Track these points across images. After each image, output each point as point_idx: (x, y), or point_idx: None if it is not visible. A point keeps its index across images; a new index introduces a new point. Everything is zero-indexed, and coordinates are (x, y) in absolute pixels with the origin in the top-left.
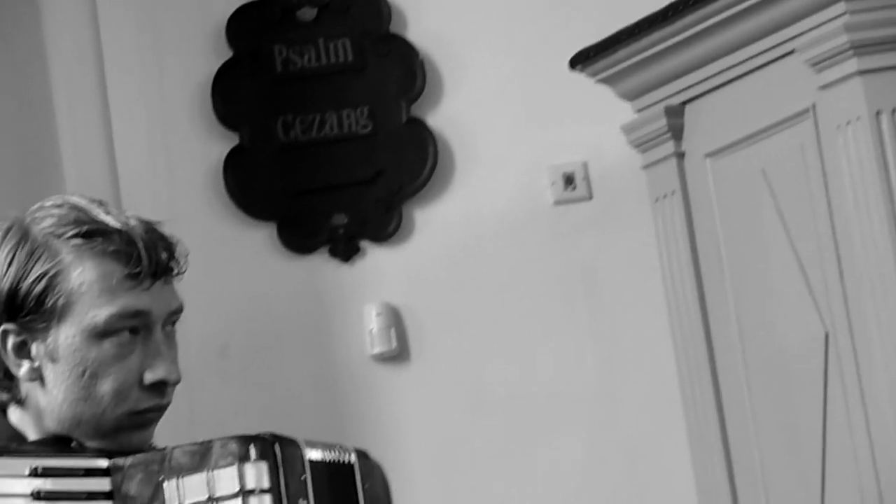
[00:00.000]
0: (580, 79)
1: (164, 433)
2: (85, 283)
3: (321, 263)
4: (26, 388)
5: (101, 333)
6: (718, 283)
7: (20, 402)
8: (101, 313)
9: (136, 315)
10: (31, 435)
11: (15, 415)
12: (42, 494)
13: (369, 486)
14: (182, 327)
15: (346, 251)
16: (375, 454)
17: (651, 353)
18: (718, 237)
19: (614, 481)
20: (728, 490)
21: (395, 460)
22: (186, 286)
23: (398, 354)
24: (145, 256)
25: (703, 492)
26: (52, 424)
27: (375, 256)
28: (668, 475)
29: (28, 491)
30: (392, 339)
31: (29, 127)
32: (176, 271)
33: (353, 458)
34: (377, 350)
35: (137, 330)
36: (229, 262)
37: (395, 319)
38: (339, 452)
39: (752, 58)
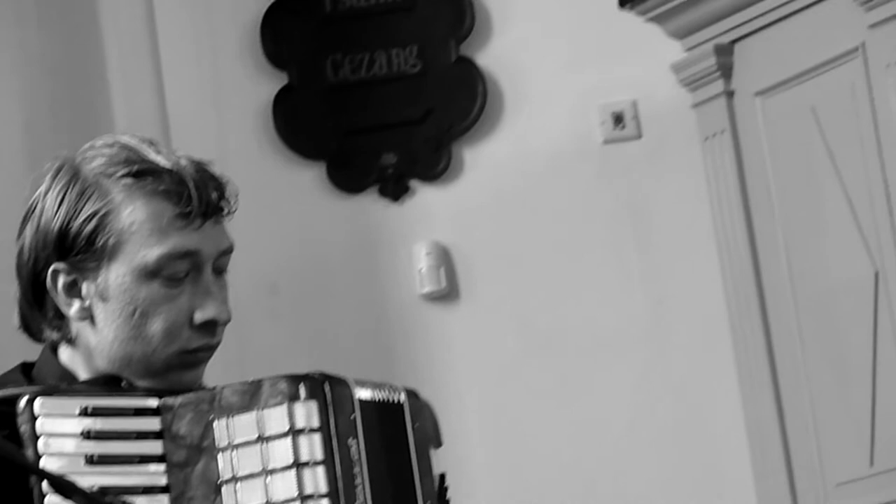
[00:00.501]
0: (630, 17)
1: (214, 373)
2: (135, 222)
3: (370, 203)
4: (77, 327)
5: (151, 273)
6: (768, 222)
7: (71, 342)
8: (151, 253)
9: (186, 255)
10: (82, 374)
11: (65, 354)
12: (92, 434)
13: (419, 426)
14: (231, 267)
15: (395, 190)
16: (425, 394)
17: (700, 291)
18: (768, 176)
19: (664, 419)
20: (778, 427)
21: (444, 400)
22: (236, 226)
23: (447, 294)
24: (196, 196)
25: (753, 429)
26: (103, 364)
27: (425, 196)
28: (718, 413)
29: (78, 430)
30: (441, 278)
31: (79, 67)
32: (226, 211)
33: (403, 397)
34: (426, 289)
35: (188, 270)
36: (278, 202)
37: (444, 259)
38: (389, 392)
39: None
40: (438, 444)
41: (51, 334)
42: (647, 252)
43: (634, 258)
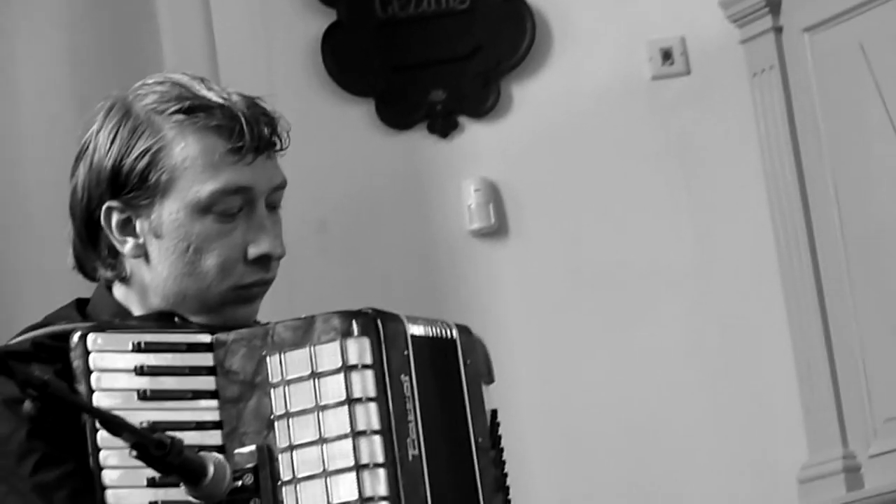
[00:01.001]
0: None
1: (265, 309)
2: (188, 158)
3: (419, 139)
4: (131, 264)
5: (204, 209)
6: (816, 158)
7: (125, 280)
8: (204, 188)
9: (239, 190)
10: (136, 311)
11: (119, 291)
12: (144, 369)
13: (471, 362)
14: (282, 203)
15: (444, 127)
16: (475, 330)
17: (749, 227)
18: (816, 112)
19: (713, 354)
20: (826, 362)
21: (494, 336)
22: (285, 162)
23: (496, 230)
24: (247, 131)
25: (802, 364)
26: (157, 300)
27: (473, 132)
28: (767, 348)
29: (131, 366)
30: (490, 214)
31: (128, 5)
32: (278, 146)
33: (455, 333)
34: (476, 226)
35: (241, 205)
36: (327, 139)
37: (493, 195)
38: (441, 328)
39: None
40: (490, 380)
41: (105, 273)
42: (695, 187)
43: (683, 194)
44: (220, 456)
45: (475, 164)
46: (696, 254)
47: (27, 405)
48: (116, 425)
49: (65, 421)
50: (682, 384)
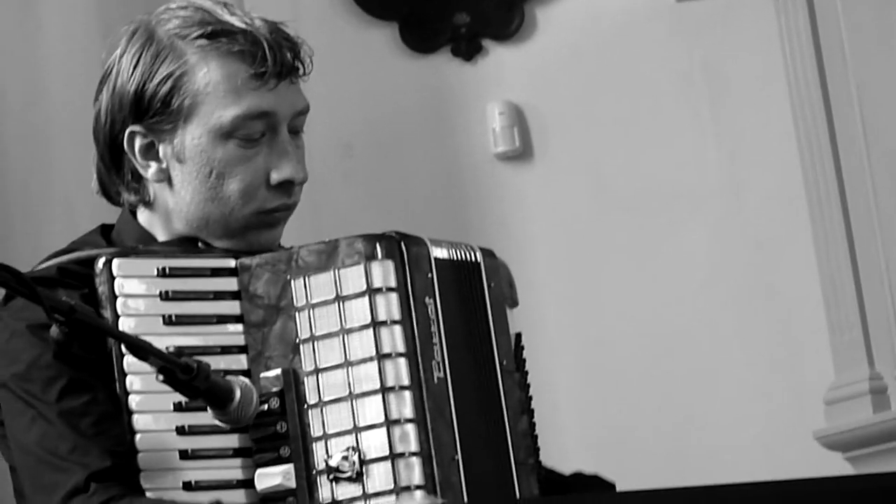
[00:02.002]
0: None
1: (289, 234)
2: (210, 83)
3: (443, 63)
4: (154, 189)
5: (227, 134)
6: (842, 79)
7: (148, 204)
8: (226, 113)
9: (261, 115)
10: (160, 236)
11: (143, 216)
12: (169, 294)
13: (495, 285)
14: (305, 128)
15: (468, 50)
16: (499, 253)
17: (774, 149)
18: (842, 33)
19: (739, 276)
20: (853, 284)
21: (518, 259)
22: (309, 87)
23: (521, 153)
24: (270, 56)
25: (828, 286)
26: (180, 225)
27: (498, 55)
28: (793, 270)
29: (156, 291)
30: (515, 137)
31: None
32: (301, 71)
33: (479, 256)
34: (500, 149)
35: (263, 130)
36: (351, 63)
37: (518, 118)
38: (465, 251)
39: None
40: (514, 303)
41: (128, 197)
42: (720, 109)
43: (707, 116)
44: (247, 380)
45: (499, 88)
46: (722, 175)
47: (54, 330)
48: (143, 350)
49: (91, 346)
50: (708, 306)
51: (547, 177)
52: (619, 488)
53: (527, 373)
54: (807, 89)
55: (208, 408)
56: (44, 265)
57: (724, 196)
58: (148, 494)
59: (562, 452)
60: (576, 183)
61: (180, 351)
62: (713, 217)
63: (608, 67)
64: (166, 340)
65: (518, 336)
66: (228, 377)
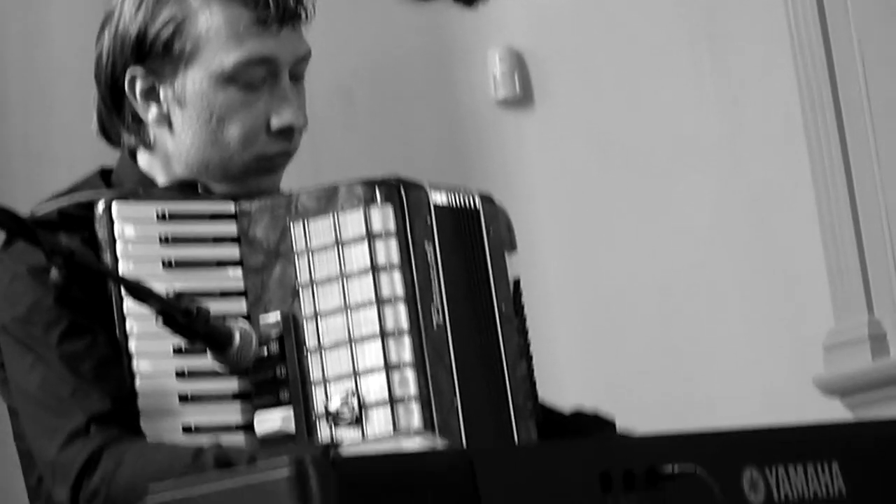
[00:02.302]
0: None
1: (288, 179)
2: (212, 28)
3: (444, 8)
4: (154, 132)
5: (228, 78)
6: (844, 27)
7: (149, 147)
8: (228, 58)
9: (263, 61)
10: (160, 180)
11: (143, 159)
12: (169, 238)
13: (494, 231)
14: (306, 74)
15: None
16: (500, 199)
17: (775, 97)
18: None
19: (739, 223)
20: (852, 231)
21: (518, 206)
22: (309, 33)
23: (522, 99)
24: (272, 1)
25: (828, 233)
26: (180, 169)
27: (499, 1)
28: (793, 217)
29: (155, 235)
30: (516, 83)
31: None
32: (304, 17)
33: (478, 202)
34: (501, 95)
35: (265, 76)
36: (352, 9)
37: (518, 64)
38: (464, 196)
39: None
40: (513, 248)
41: (129, 140)
42: (722, 57)
43: (709, 63)
44: (246, 324)
45: (500, 34)
46: (723, 123)
47: (53, 273)
48: (143, 293)
49: (91, 290)
50: (709, 253)
51: (547, 123)
52: (618, 427)
53: (525, 318)
54: (808, 38)
55: (208, 351)
56: (44, 208)
57: (724, 144)
58: (147, 437)
59: (561, 398)
60: (576, 129)
61: (180, 294)
62: (714, 164)
63: (609, 14)
64: (166, 284)
65: (517, 281)
66: (228, 321)
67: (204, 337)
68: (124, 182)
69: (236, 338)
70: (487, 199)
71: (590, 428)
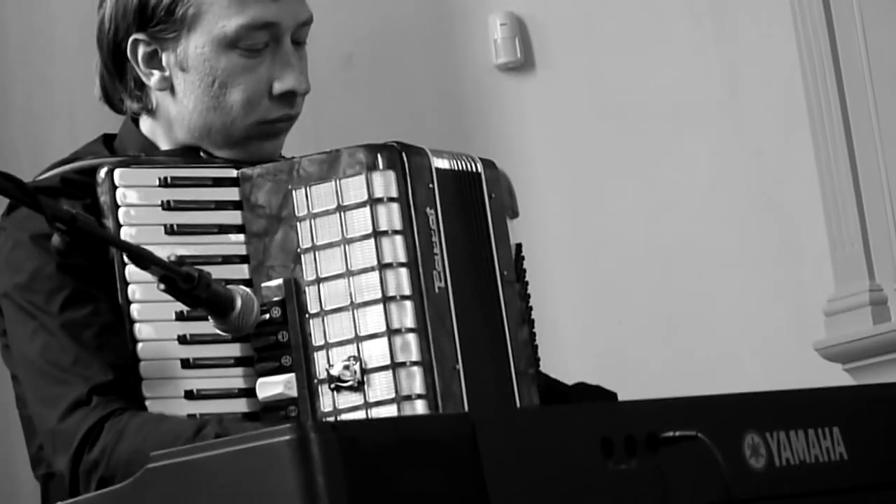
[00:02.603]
0: None
1: (290, 144)
2: None
3: None
4: (157, 97)
5: (230, 43)
6: None
7: (151, 112)
8: (230, 23)
9: (265, 26)
10: (163, 145)
11: (146, 124)
12: (171, 204)
13: (495, 196)
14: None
15: None
16: (500, 164)
17: (776, 60)
18: None
19: (740, 187)
20: (853, 197)
21: (520, 170)
22: None
23: (523, 64)
24: None
25: (829, 199)
26: (182, 134)
27: None
28: (794, 183)
29: (157, 201)
30: (517, 48)
31: None
32: None
33: (480, 167)
34: (502, 60)
35: (267, 41)
36: None
37: (519, 29)
38: (466, 162)
39: None
40: (515, 214)
41: (131, 105)
42: (722, 20)
43: (710, 26)
44: (248, 289)
45: None
46: (723, 87)
47: (55, 239)
48: (144, 259)
49: (93, 256)
50: (709, 218)
51: (548, 88)
52: (620, 399)
53: (527, 283)
54: (808, 1)
55: (209, 317)
56: (46, 175)
57: (725, 108)
58: (149, 403)
59: (562, 364)
60: (577, 95)
61: (181, 260)
62: (714, 129)
63: None
64: (168, 250)
65: (518, 246)
66: (229, 286)
67: (205, 302)
68: (127, 148)
69: (237, 303)
70: (489, 164)
71: (593, 398)
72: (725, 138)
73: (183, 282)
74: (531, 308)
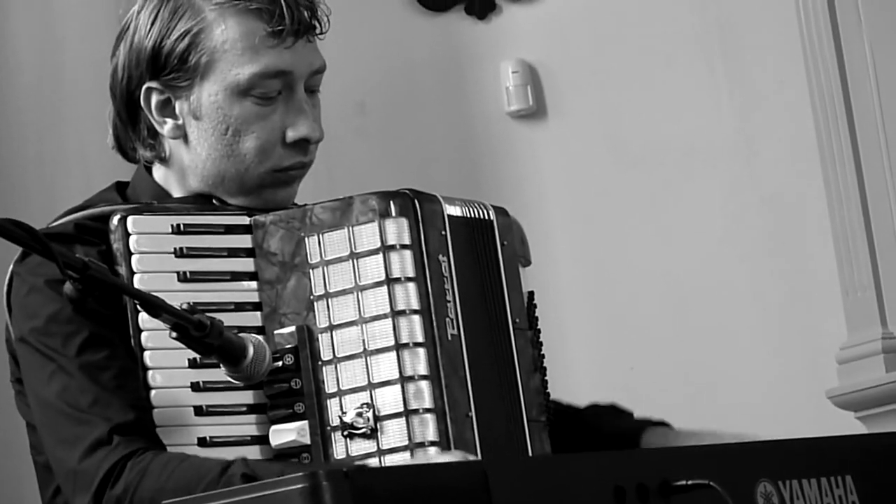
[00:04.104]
0: None
1: (303, 192)
2: (228, 40)
3: (457, 21)
4: (170, 145)
5: (243, 91)
6: (856, 33)
7: (164, 161)
8: (244, 71)
9: (278, 74)
10: (176, 192)
11: (159, 172)
12: (184, 251)
13: (507, 244)
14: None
15: (481, 8)
16: (513, 212)
17: (788, 104)
18: None
19: (753, 232)
20: (865, 242)
21: (533, 217)
22: (323, 45)
23: (535, 112)
24: (287, 14)
25: (841, 244)
26: (196, 182)
27: (511, 13)
28: (807, 227)
29: (170, 248)
30: (529, 96)
31: None
32: (318, 30)
33: (492, 214)
34: (514, 107)
35: (280, 88)
36: (366, 20)
37: (531, 76)
38: (478, 209)
39: None
40: (527, 262)
41: (144, 153)
42: (734, 64)
43: (722, 71)
44: (260, 337)
45: (513, 46)
46: (736, 132)
47: (68, 287)
48: (156, 307)
49: (107, 302)
50: (722, 262)
51: (561, 135)
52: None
53: (539, 331)
54: (820, 44)
55: (221, 365)
56: (60, 221)
57: (737, 152)
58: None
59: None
60: (590, 141)
61: (193, 308)
62: (727, 174)
63: (621, 24)
64: (181, 297)
65: (531, 294)
66: (242, 334)
67: (217, 350)
68: (140, 195)
69: (249, 351)
70: (501, 212)
71: (607, 417)
72: (738, 183)
73: (195, 329)
74: (543, 355)
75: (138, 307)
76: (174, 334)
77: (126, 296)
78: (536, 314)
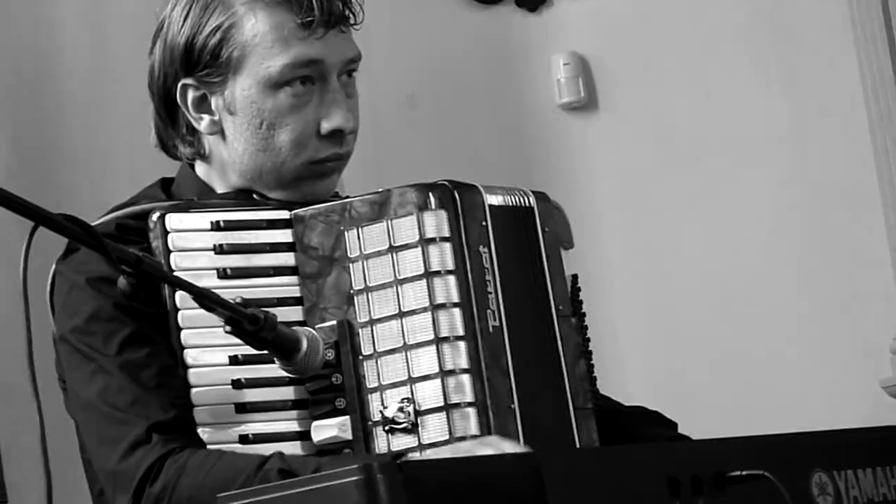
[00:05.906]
0: None
1: (354, 183)
2: (258, 34)
3: (508, 13)
4: (209, 141)
5: (275, 84)
6: None
7: (205, 157)
8: (274, 64)
9: (309, 64)
10: (218, 188)
11: (201, 169)
12: (224, 248)
13: (549, 229)
14: (369, 78)
15: (532, 1)
16: (564, 204)
17: (839, 96)
18: None
19: (804, 224)
20: None
21: (583, 208)
22: (374, 38)
23: (586, 104)
24: (317, 5)
25: (893, 231)
26: (235, 177)
27: (562, 6)
28: (858, 216)
29: (210, 245)
30: (580, 88)
31: None
32: (352, 20)
33: (533, 201)
34: (565, 100)
35: (313, 79)
36: (417, 14)
37: (582, 69)
38: (519, 196)
39: None
40: (570, 245)
41: (185, 150)
42: (785, 58)
43: (773, 64)
44: (313, 330)
45: (564, 39)
46: (787, 125)
47: (121, 281)
48: (210, 300)
49: (151, 299)
50: (773, 254)
51: (612, 127)
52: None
53: (584, 314)
54: (872, 35)
55: (275, 359)
56: (103, 220)
57: (788, 145)
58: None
59: (625, 398)
60: (640, 133)
61: (247, 302)
62: (778, 166)
63: (673, 17)
64: (222, 294)
65: (574, 278)
66: (295, 327)
67: (271, 343)
68: (184, 192)
69: (303, 343)
70: (542, 198)
71: (651, 424)
72: (789, 175)
73: (249, 323)
74: (588, 340)
75: (178, 305)
76: (228, 329)
77: (180, 290)
78: (581, 298)
